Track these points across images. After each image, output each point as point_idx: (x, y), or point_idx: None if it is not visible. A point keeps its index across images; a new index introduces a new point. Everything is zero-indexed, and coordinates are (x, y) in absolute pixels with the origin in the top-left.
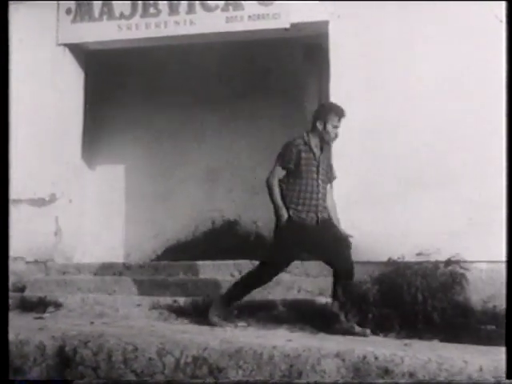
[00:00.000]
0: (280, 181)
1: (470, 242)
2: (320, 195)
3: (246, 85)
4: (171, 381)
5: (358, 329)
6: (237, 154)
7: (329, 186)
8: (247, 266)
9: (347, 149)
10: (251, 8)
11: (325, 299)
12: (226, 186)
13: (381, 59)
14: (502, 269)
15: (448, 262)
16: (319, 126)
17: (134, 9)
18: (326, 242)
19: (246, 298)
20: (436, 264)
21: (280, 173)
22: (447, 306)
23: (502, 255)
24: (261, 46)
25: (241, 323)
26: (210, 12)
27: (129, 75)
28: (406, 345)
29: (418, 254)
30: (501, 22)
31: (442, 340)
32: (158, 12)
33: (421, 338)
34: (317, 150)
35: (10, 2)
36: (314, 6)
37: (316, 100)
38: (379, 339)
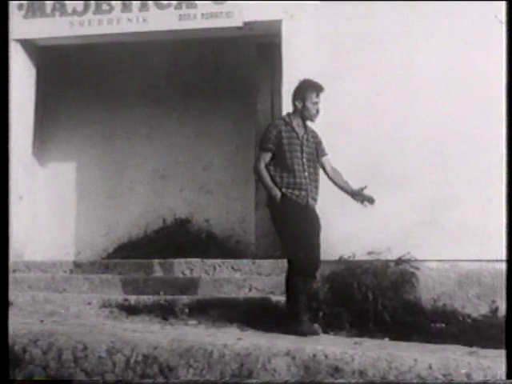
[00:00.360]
0: (267, 164)
1: (421, 241)
2: (306, 174)
3: (198, 84)
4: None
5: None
6: (188, 153)
7: (324, 158)
8: (199, 264)
9: None
10: (204, 6)
11: (276, 297)
12: (178, 185)
13: (333, 58)
14: (452, 267)
15: (399, 261)
16: (298, 104)
17: (86, 5)
18: (315, 226)
19: (197, 296)
20: (387, 263)
21: (265, 157)
22: (397, 305)
23: (452, 254)
24: (213, 45)
25: (191, 321)
26: (162, 10)
27: (81, 72)
28: (356, 343)
29: (369, 253)
30: (501, 22)
31: (392, 338)
32: (111, 9)
33: (371, 336)
34: (299, 129)
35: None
36: (267, 5)
37: (269, 99)
38: (330, 337)
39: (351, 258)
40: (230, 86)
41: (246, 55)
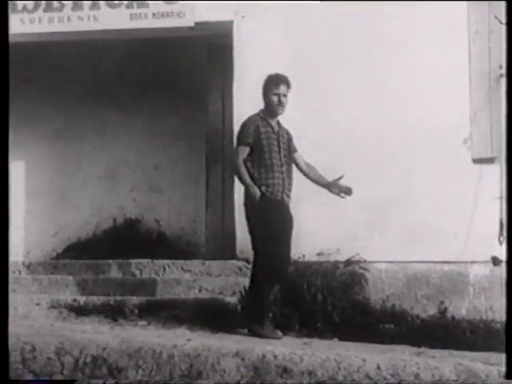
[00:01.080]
0: (245, 160)
1: (370, 243)
2: (284, 169)
3: (149, 83)
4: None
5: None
6: (138, 152)
7: (297, 154)
8: (149, 264)
9: None
10: (156, 6)
11: (225, 298)
12: (128, 185)
13: (284, 60)
14: (401, 269)
15: (348, 262)
16: (264, 99)
17: (36, 3)
18: (290, 225)
19: (147, 297)
20: (336, 264)
21: (244, 152)
22: (347, 306)
23: (401, 255)
24: (165, 45)
25: (141, 322)
26: (113, 9)
27: (32, 70)
28: (305, 344)
29: (319, 254)
30: (501, 23)
31: (341, 339)
32: (62, 7)
33: (320, 336)
34: (274, 124)
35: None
36: (219, 5)
37: (219, 100)
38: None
39: (301, 259)
40: (181, 86)
41: (198, 55)
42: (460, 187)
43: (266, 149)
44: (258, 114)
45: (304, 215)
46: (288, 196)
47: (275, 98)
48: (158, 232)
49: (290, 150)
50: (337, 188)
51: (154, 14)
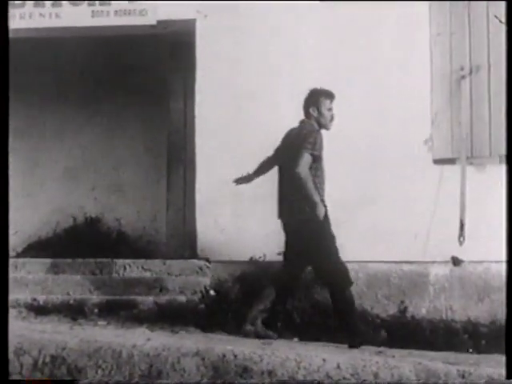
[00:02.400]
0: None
1: None
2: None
3: (110, 82)
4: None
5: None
6: (99, 151)
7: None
8: (109, 264)
9: (211, 148)
10: (118, 4)
11: (185, 297)
12: (88, 184)
13: (247, 58)
14: (362, 268)
15: None
16: (313, 112)
17: None
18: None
19: (107, 297)
20: None
21: (309, 160)
22: (307, 305)
23: (362, 254)
24: (127, 43)
25: (101, 321)
26: (75, 6)
27: None
28: (265, 343)
29: (279, 254)
30: (501, 22)
31: (301, 338)
32: (23, 3)
33: (281, 336)
34: None
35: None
36: (181, 4)
37: (181, 99)
38: (239, 338)
39: (262, 259)
40: (142, 85)
41: (160, 54)
42: (421, 187)
43: (322, 161)
44: (310, 125)
45: (265, 214)
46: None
47: (329, 114)
48: (119, 231)
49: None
50: None
51: (116, 12)
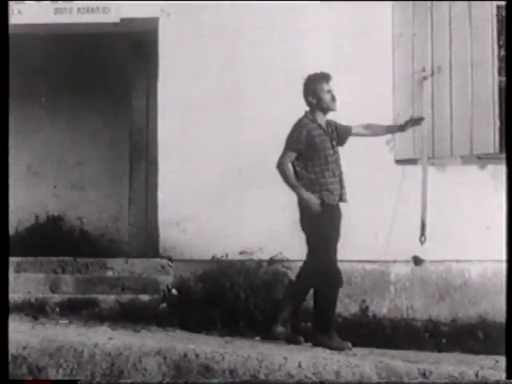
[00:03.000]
0: (297, 165)
1: (293, 242)
2: (340, 169)
3: (72, 79)
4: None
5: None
6: (61, 149)
7: (353, 128)
8: (71, 262)
9: (174, 147)
10: (81, 1)
11: (147, 297)
12: (51, 181)
13: (210, 58)
14: None
15: (271, 261)
16: (312, 100)
17: None
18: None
19: (68, 295)
20: (259, 263)
21: (291, 156)
22: (269, 305)
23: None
24: (90, 40)
25: (62, 320)
26: (38, 2)
27: None
28: (227, 342)
29: (241, 253)
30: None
31: (263, 337)
32: None
33: (242, 335)
34: (323, 123)
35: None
36: (145, 2)
37: (144, 97)
38: (201, 337)
39: (224, 258)
40: (105, 82)
41: (123, 52)
42: (382, 187)
43: (321, 154)
44: (306, 117)
45: (227, 214)
46: (345, 198)
47: (328, 96)
48: (81, 230)
49: (344, 134)
50: (410, 123)
51: (79, 9)
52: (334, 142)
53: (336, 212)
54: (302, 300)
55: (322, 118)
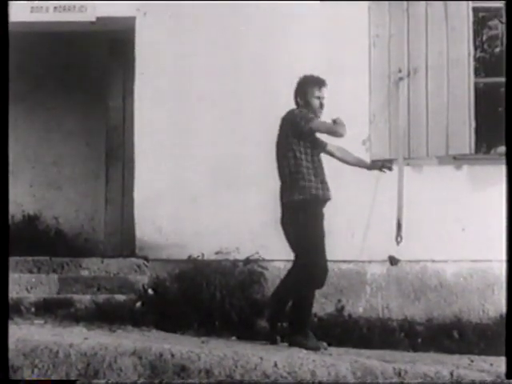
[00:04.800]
0: (298, 150)
1: (269, 241)
2: (324, 170)
3: (48, 78)
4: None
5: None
6: (37, 148)
7: (329, 145)
8: (47, 262)
9: (150, 147)
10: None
11: (123, 296)
12: (26, 181)
13: (187, 57)
14: None
15: (247, 261)
16: (300, 101)
17: None
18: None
19: (44, 295)
20: (235, 262)
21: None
22: (245, 304)
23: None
24: (66, 39)
25: (38, 320)
26: (14, 0)
27: None
28: (203, 342)
29: (217, 253)
30: (501, 22)
31: (239, 337)
32: None
33: (218, 335)
34: None
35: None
36: (121, 1)
37: (120, 96)
38: (177, 337)
39: (200, 258)
40: (81, 81)
41: (99, 51)
42: (358, 187)
43: (314, 150)
44: (300, 112)
45: (203, 213)
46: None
47: (317, 102)
48: (57, 229)
49: (321, 144)
50: (378, 165)
51: (55, 8)
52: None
53: (308, 208)
54: (288, 301)
55: None
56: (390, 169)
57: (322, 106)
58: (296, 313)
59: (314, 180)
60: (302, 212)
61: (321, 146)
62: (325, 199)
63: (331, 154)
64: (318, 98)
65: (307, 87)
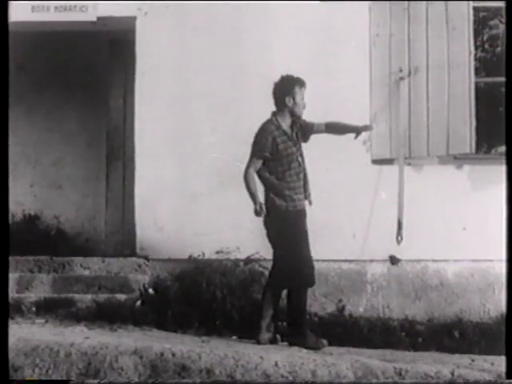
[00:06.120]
0: (262, 170)
1: None
2: (305, 173)
3: (49, 78)
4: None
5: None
6: (38, 147)
7: (315, 125)
8: (47, 261)
9: (151, 146)
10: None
11: (124, 296)
12: (27, 181)
13: (188, 57)
14: None
15: (247, 261)
16: (288, 102)
17: None
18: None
19: (45, 295)
20: (236, 262)
21: (257, 164)
22: (246, 304)
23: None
24: (67, 39)
25: (38, 320)
26: (15, 0)
27: None
28: (203, 341)
29: (218, 252)
30: (501, 22)
31: (239, 337)
32: None
33: (219, 334)
34: (288, 129)
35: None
36: (122, 1)
37: (121, 96)
38: (178, 336)
39: (201, 257)
40: (82, 81)
41: (100, 50)
42: (359, 187)
43: (284, 161)
44: (271, 122)
45: (204, 213)
46: (309, 198)
47: (302, 102)
48: (57, 229)
49: (306, 136)
50: (362, 128)
51: (56, 8)
52: (298, 145)
53: (301, 214)
54: (278, 302)
55: (287, 122)
56: (369, 128)
57: (304, 106)
58: (292, 313)
59: (281, 190)
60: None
61: (310, 129)
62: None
63: (320, 132)
64: (303, 98)
65: (296, 88)
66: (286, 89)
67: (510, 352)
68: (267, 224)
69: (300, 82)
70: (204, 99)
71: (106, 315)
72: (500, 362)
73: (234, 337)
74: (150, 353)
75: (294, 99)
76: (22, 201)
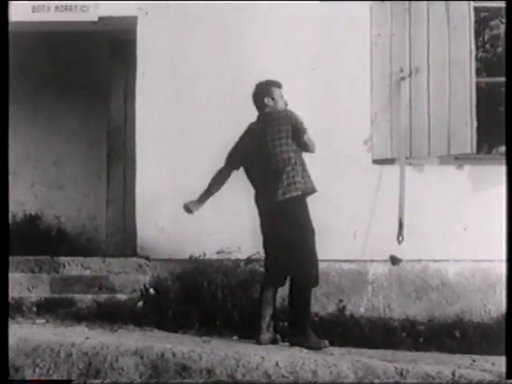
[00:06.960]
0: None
1: None
2: (295, 162)
3: (50, 77)
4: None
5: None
6: (39, 147)
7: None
8: (48, 261)
9: (152, 147)
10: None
11: (125, 296)
12: (28, 180)
13: (189, 57)
14: None
15: (248, 260)
16: (268, 102)
17: None
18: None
19: (45, 295)
20: (237, 262)
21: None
22: (246, 304)
23: None
24: (67, 39)
25: (39, 320)
26: (16, 0)
27: None
28: (204, 341)
29: (219, 252)
30: (501, 22)
31: (240, 337)
32: None
33: (220, 334)
34: (269, 130)
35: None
36: (123, 1)
37: (122, 96)
38: (178, 336)
39: (201, 257)
40: (83, 81)
41: (101, 50)
42: (360, 187)
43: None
44: (247, 133)
45: (205, 213)
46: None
47: (282, 100)
48: (58, 229)
49: (297, 137)
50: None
51: (57, 7)
52: (283, 139)
53: (301, 204)
54: (274, 301)
55: (266, 124)
56: None
57: (286, 104)
58: (294, 313)
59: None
60: (295, 209)
61: (301, 134)
62: (308, 192)
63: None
64: (282, 96)
65: (272, 88)
66: (263, 91)
67: (510, 352)
68: (263, 223)
69: (276, 83)
70: (205, 99)
71: (107, 315)
72: (501, 362)
73: (235, 337)
74: (150, 353)
75: (272, 98)
76: (22, 201)
